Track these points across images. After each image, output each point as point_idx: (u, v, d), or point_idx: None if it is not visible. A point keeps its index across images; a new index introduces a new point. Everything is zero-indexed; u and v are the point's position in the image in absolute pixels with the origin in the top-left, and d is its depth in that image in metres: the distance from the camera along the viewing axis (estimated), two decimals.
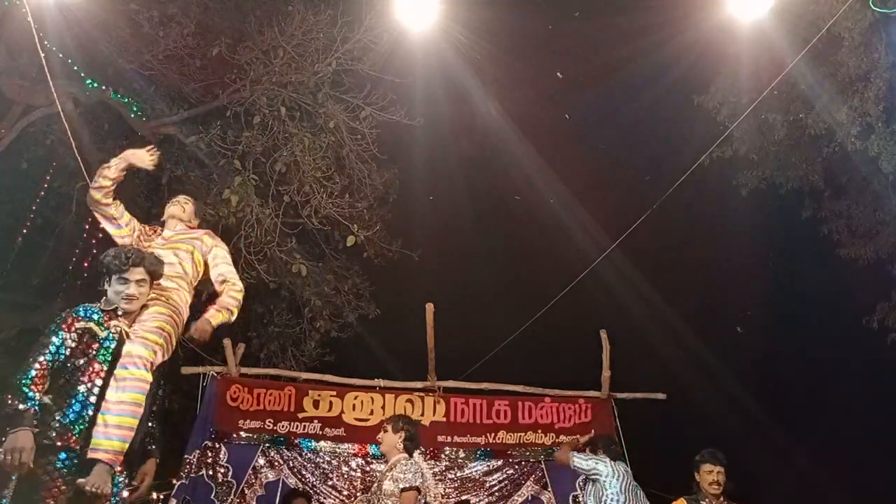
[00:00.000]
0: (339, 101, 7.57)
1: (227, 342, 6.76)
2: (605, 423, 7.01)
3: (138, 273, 3.20)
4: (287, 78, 7.26)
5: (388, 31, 7.04)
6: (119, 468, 3.05)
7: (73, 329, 3.01)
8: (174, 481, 6.25)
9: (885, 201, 8.35)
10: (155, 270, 3.30)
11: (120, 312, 3.17)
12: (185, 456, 6.25)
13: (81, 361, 2.97)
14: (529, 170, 10.51)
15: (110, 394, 2.96)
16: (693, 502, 4.39)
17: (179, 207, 3.94)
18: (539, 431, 7.00)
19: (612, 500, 4.90)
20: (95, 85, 7.49)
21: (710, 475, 4.34)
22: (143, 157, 3.82)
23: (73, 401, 2.91)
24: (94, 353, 3.01)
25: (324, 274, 8.59)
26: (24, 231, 7.91)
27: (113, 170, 3.70)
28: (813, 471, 11.23)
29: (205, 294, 7.51)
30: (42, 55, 5.37)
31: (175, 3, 7.00)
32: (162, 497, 7.82)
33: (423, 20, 6.16)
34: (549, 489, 6.65)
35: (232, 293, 3.74)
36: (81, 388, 2.94)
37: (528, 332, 8.52)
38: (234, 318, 3.72)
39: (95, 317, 3.09)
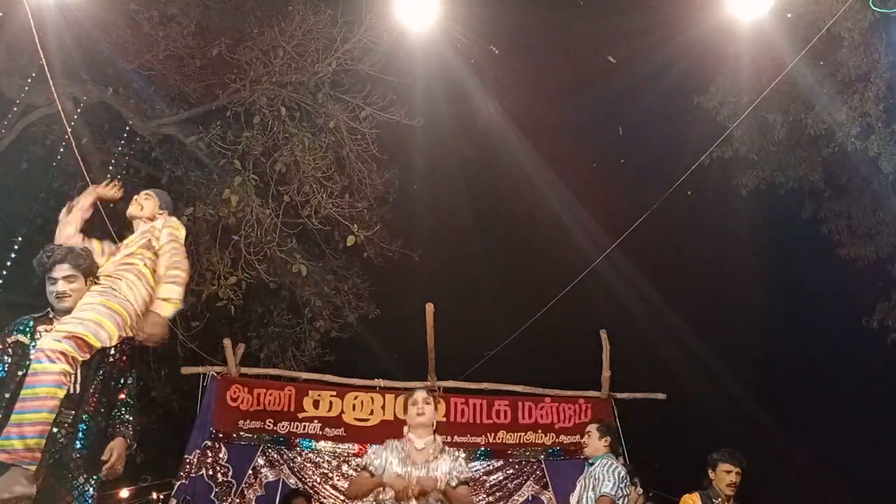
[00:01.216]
0: (339, 101, 7.57)
1: (227, 342, 6.76)
2: None
3: (64, 270, 3.12)
4: (287, 78, 7.26)
5: (388, 31, 7.03)
6: (77, 473, 2.99)
7: (7, 346, 3.00)
8: (174, 481, 6.25)
9: (885, 201, 8.36)
10: (84, 265, 3.19)
11: (51, 315, 3.12)
12: (185, 456, 6.24)
13: (20, 375, 2.93)
14: (529, 170, 10.53)
15: None
16: (706, 498, 4.37)
17: (136, 206, 3.71)
18: (539, 431, 7.00)
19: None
20: (95, 85, 7.49)
21: (729, 476, 4.31)
22: (109, 192, 3.79)
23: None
24: (23, 364, 2.96)
25: (324, 274, 8.59)
26: (24, 231, 7.90)
27: (75, 211, 3.60)
28: (813, 471, 11.24)
29: (205, 294, 7.55)
30: (42, 55, 5.36)
31: (175, 3, 6.99)
32: (162, 497, 7.83)
33: (423, 20, 6.15)
34: (550, 489, 6.65)
35: (175, 274, 3.39)
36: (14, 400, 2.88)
37: (528, 332, 8.52)
38: (182, 300, 3.38)
39: (23, 327, 3.06)
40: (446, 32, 6.99)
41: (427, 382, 6.95)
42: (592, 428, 4.90)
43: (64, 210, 3.69)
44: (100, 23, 6.79)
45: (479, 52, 7.85)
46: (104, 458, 3.16)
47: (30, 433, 2.74)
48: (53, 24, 6.10)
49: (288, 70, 7.23)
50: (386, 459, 3.65)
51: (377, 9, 6.94)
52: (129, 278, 3.29)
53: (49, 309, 3.16)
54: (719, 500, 4.31)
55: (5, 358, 2.99)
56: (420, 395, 3.92)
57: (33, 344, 3.01)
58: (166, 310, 3.28)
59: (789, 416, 11.73)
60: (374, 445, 3.86)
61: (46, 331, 3.03)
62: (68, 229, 3.59)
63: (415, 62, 7.41)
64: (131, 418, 3.33)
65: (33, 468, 2.73)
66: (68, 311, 3.08)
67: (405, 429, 3.88)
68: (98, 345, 3.00)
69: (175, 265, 3.39)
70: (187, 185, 7.95)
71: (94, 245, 3.60)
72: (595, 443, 4.81)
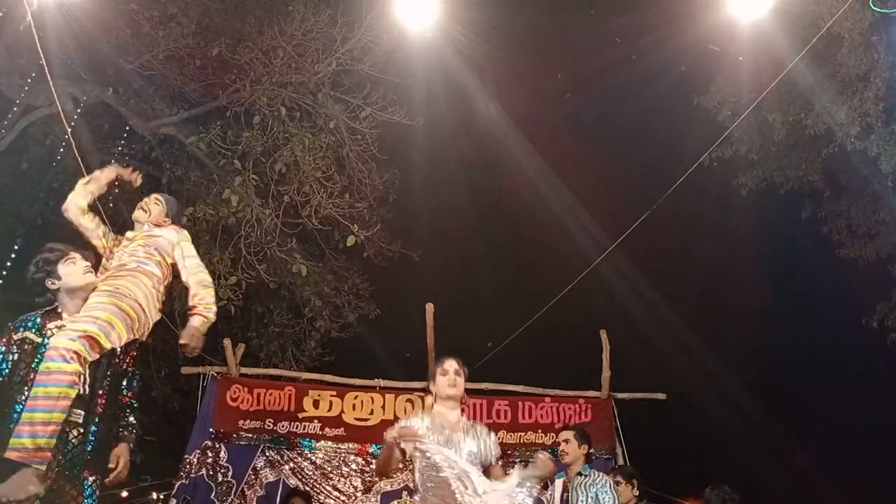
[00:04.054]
0: (339, 101, 7.57)
1: (227, 342, 6.77)
2: (605, 423, 7.01)
3: (78, 252, 3.27)
4: (287, 78, 7.26)
5: (388, 31, 7.04)
6: (87, 474, 2.99)
7: (12, 342, 2.97)
8: (174, 481, 6.25)
9: (885, 201, 8.36)
10: (90, 259, 3.35)
11: (59, 310, 3.12)
12: (185, 456, 6.25)
13: (24, 372, 2.92)
14: (529, 169, 10.52)
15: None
16: None
17: (141, 212, 3.70)
18: (539, 431, 7.00)
19: None
20: (95, 85, 7.49)
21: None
22: (128, 175, 3.83)
23: (14, 413, 2.84)
24: (34, 361, 2.94)
25: (324, 274, 8.58)
26: (24, 231, 7.90)
27: (92, 183, 3.66)
28: (813, 471, 11.23)
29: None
30: (42, 55, 5.36)
31: (175, 3, 7.00)
32: (162, 497, 7.83)
33: (423, 20, 6.16)
34: (550, 489, 6.64)
35: (206, 293, 3.44)
36: (19, 399, 2.87)
37: (528, 332, 8.52)
38: (214, 317, 3.44)
39: (30, 324, 3.04)
40: (446, 32, 7.00)
41: (427, 382, 6.94)
42: (570, 435, 4.84)
43: (82, 180, 3.69)
44: (100, 23, 6.79)
45: (479, 52, 7.86)
46: (111, 465, 3.17)
47: (41, 433, 2.72)
48: (53, 24, 6.11)
49: (288, 70, 7.23)
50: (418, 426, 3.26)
51: (377, 9, 6.94)
52: (135, 279, 3.28)
53: (57, 304, 3.14)
54: None
55: (10, 356, 2.95)
56: (452, 365, 3.47)
57: (45, 341, 2.98)
58: (204, 325, 3.30)
59: (789, 416, 11.73)
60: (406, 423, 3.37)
61: (57, 327, 3.01)
62: (79, 199, 3.62)
63: (415, 62, 7.42)
64: (135, 421, 3.36)
65: (44, 468, 2.71)
66: (86, 291, 3.13)
67: (429, 400, 3.47)
68: (108, 346, 2.99)
69: (208, 284, 3.44)
70: (187, 185, 7.95)
71: (100, 228, 3.64)
72: (576, 451, 4.75)
